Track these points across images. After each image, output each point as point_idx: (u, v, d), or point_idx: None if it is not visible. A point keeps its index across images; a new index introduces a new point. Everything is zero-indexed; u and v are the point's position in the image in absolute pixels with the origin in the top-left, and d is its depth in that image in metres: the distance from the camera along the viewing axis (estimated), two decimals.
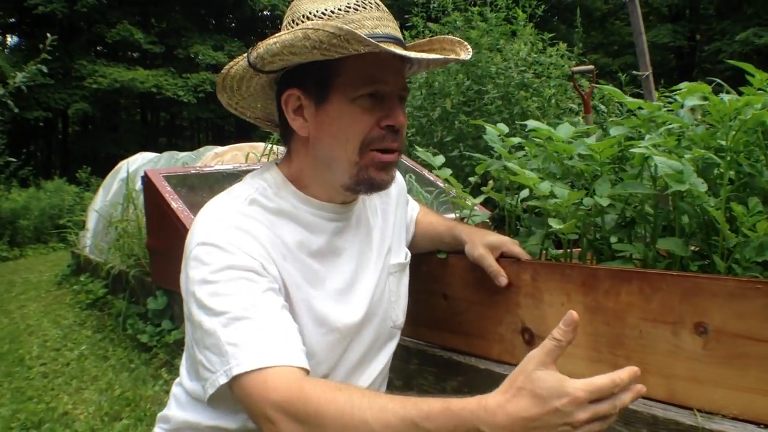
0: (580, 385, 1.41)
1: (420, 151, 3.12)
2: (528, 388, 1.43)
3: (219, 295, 1.78)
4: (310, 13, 1.96)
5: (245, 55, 1.99)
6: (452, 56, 2.05)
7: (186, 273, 1.90)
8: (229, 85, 2.15)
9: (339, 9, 1.93)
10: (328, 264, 2.12)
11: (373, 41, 1.74)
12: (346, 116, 1.96)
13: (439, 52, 2.18)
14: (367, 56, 1.85)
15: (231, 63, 2.09)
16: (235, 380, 1.69)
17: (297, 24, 1.97)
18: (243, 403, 1.73)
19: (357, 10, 1.93)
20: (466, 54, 2.08)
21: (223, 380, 1.70)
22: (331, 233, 2.14)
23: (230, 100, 2.24)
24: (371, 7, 1.96)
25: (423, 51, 2.21)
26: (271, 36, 1.90)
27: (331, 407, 1.58)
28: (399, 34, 1.99)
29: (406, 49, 2.02)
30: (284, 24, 2.05)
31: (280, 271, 1.94)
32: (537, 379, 1.43)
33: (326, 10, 1.94)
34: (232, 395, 1.75)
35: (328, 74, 1.96)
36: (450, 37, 2.17)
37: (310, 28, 1.76)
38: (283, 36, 1.84)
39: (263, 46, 1.89)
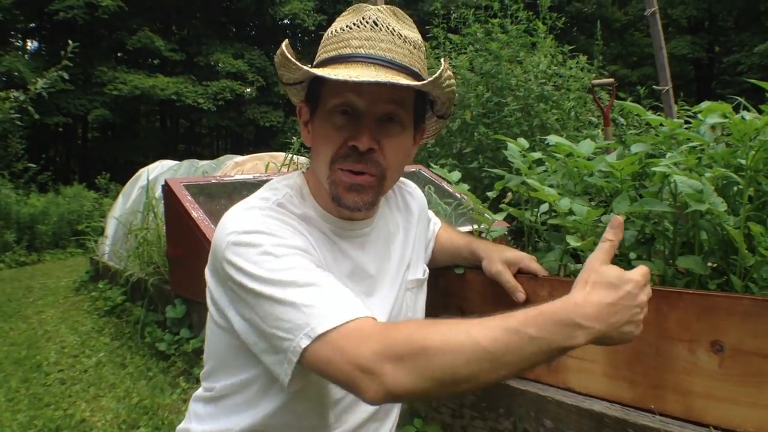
0: (636, 272, 1.69)
1: (436, 168, 3.13)
2: (601, 281, 1.66)
3: (278, 270, 1.77)
4: (327, 32, 2.06)
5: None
6: (401, 81, 1.88)
7: (227, 267, 1.86)
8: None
9: (341, 29, 2.00)
10: (348, 276, 2.12)
11: (303, 67, 1.91)
12: (322, 130, 2.01)
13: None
14: (328, 80, 1.88)
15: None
16: (320, 339, 1.67)
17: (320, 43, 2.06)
18: (327, 366, 1.68)
19: (351, 29, 1.98)
20: (429, 80, 1.96)
21: (305, 342, 1.67)
22: (351, 247, 2.16)
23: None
24: (365, 27, 1.97)
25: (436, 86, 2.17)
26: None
27: (435, 336, 1.60)
28: (393, 55, 1.97)
29: (410, 69, 2.00)
30: None
31: (316, 252, 1.97)
32: (605, 272, 1.67)
33: (335, 29, 2.03)
34: (307, 367, 1.72)
35: (319, 88, 2.01)
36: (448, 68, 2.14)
37: (278, 51, 1.92)
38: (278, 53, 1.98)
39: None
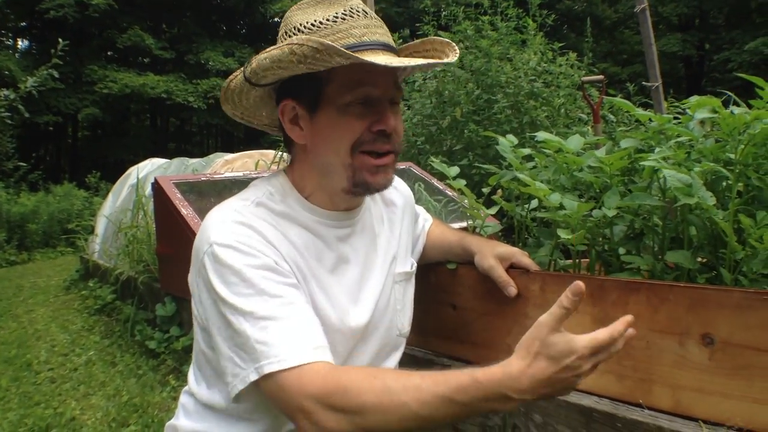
0: (585, 343, 1.61)
1: (435, 162, 3.13)
2: (544, 353, 1.62)
3: (242, 296, 1.82)
4: (300, 24, 2.02)
5: (242, 69, 2.05)
6: (435, 60, 2.05)
7: (204, 272, 1.92)
8: (230, 97, 2.21)
9: (327, 19, 1.99)
10: (333, 269, 2.15)
11: (352, 54, 1.81)
12: (338, 123, 2.00)
13: (430, 54, 2.21)
14: (354, 64, 1.88)
15: (230, 77, 2.15)
16: (267, 377, 1.75)
17: (289, 35, 2.03)
18: (275, 399, 1.78)
19: (344, 19, 1.98)
20: (453, 56, 2.09)
21: (254, 377, 1.75)
22: (336, 240, 2.18)
23: (235, 110, 2.29)
24: (359, 16, 2.00)
25: (413, 54, 2.24)
26: (263, 50, 1.96)
27: (370, 396, 1.67)
28: (387, 39, 2.03)
29: (398, 52, 2.08)
30: (279, 35, 2.11)
31: (289, 264, 1.98)
32: (550, 344, 1.62)
33: (315, 21, 2.00)
34: (260, 391, 1.81)
35: (319, 84, 2.00)
36: (440, 39, 2.18)
37: (296, 44, 1.83)
38: (273, 51, 1.90)
39: (256, 62, 1.96)
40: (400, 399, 1.66)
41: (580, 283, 1.63)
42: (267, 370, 1.73)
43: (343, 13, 1.99)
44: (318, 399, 1.68)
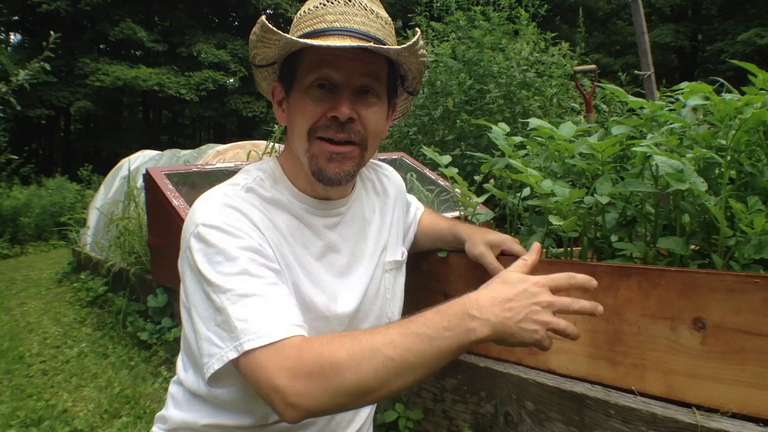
0: (540, 276, 1.76)
1: (427, 150, 3.13)
2: (500, 278, 1.79)
3: (226, 274, 1.82)
4: (302, 11, 2.09)
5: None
6: (379, 46, 1.96)
7: (189, 253, 1.92)
8: (255, 78, 2.30)
9: (315, 7, 2.04)
10: (320, 257, 2.16)
11: (278, 31, 1.92)
12: (300, 105, 2.03)
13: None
14: (322, 48, 1.92)
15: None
16: (246, 355, 1.73)
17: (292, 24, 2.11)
18: (251, 377, 1.75)
19: (325, 5, 2.02)
20: (403, 46, 2.01)
21: (233, 355, 1.74)
22: (324, 228, 2.19)
23: (263, 88, 2.36)
24: (339, 3, 2.02)
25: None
26: None
27: (342, 352, 1.66)
28: (367, 28, 2.01)
29: (384, 42, 2.05)
30: None
31: (275, 252, 1.98)
32: (506, 273, 1.81)
33: (306, 9, 2.07)
34: (238, 370, 1.78)
35: (294, 65, 2.04)
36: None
37: (256, 24, 1.95)
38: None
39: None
40: (371, 346, 1.66)
41: (538, 244, 1.89)
42: (247, 347, 1.72)
43: (326, 1, 2.02)
44: (293, 371, 1.67)
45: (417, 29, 2.11)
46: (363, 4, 2.04)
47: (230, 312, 1.77)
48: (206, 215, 1.92)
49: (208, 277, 1.84)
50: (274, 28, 1.91)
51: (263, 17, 1.92)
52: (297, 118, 2.04)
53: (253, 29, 1.98)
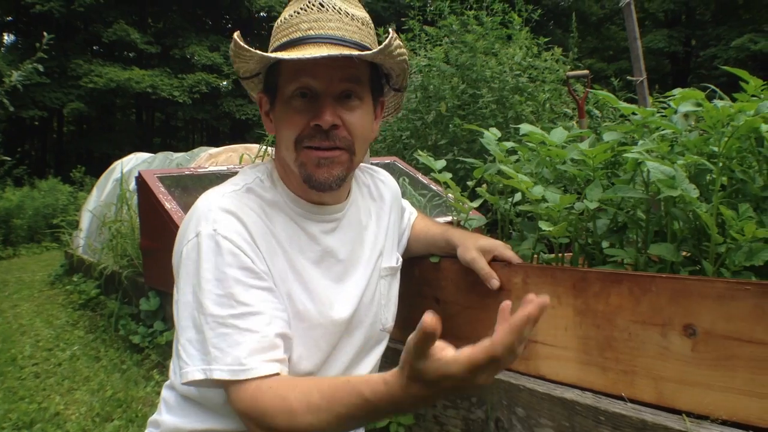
0: (461, 367, 1.49)
1: (422, 155, 3.13)
2: (417, 378, 1.53)
3: (212, 295, 1.84)
4: (279, 21, 2.10)
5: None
6: (347, 52, 1.93)
7: (182, 263, 1.95)
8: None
9: (290, 15, 2.05)
10: (317, 262, 2.16)
11: (250, 48, 1.93)
12: (284, 116, 2.04)
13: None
14: (286, 61, 1.95)
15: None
16: (210, 381, 1.81)
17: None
18: (224, 392, 1.86)
19: (299, 13, 2.03)
20: (375, 48, 2.03)
21: (199, 376, 1.81)
22: (321, 233, 2.18)
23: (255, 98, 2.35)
24: (312, 10, 2.02)
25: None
26: None
27: (280, 419, 1.73)
28: (342, 32, 2.01)
29: (362, 45, 2.04)
30: None
31: (267, 264, 1.99)
32: (421, 371, 1.51)
33: (283, 18, 2.08)
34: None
35: (275, 76, 2.06)
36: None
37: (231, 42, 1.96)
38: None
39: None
40: (306, 420, 1.70)
41: (427, 316, 1.49)
42: (215, 376, 1.78)
43: (300, 8, 2.03)
44: (246, 414, 1.78)
45: (390, 30, 2.08)
46: (337, 7, 2.03)
47: (207, 336, 1.82)
48: (204, 224, 1.94)
49: (195, 292, 1.88)
50: (245, 45, 1.94)
51: (237, 33, 1.94)
52: (283, 129, 2.05)
53: (231, 44, 2.01)
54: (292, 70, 1.96)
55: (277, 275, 2.01)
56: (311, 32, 1.97)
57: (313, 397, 1.73)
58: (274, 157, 2.27)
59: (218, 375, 1.77)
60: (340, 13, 2.02)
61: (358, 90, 2.06)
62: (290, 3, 2.11)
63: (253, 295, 1.88)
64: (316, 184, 2.04)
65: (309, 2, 2.02)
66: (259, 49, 1.97)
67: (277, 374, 1.83)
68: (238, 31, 1.97)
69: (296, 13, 2.02)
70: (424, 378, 1.52)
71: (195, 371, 1.81)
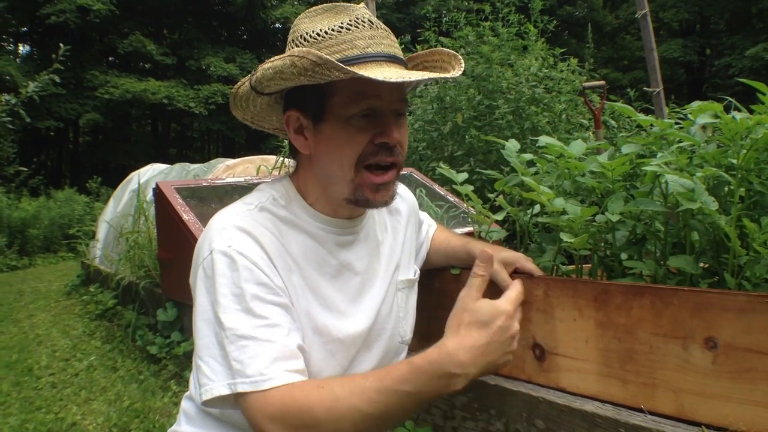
0: (506, 302, 1.88)
1: (443, 168, 3.13)
2: (474, 321, 1.82)
3: (229, 310, 1.86)
4: (307, 33, 2.01)
5: (249, 76, 2.07)
6: (437, 74, 2.01)
7: (200, 279, 1.96)
8: (239, 104, 2.23)
9: (332, 29, 1.97)
10: (335, 276, 2.17)
11: (349, 69, 1.78)
12: (341, 136, 2.00)
13: (438, 65, 2.20)
14: (385, 84, 1.87)
15: (239, 83, 2.16)
16: (237, 394, 1.80)
17: (295, 44, 2.04)
18: (243, 413, 1.84)
19: (350, 29, 1.97)
20: (457, 71, 2.06)
21: (225, 391, 1.81)
22: (339, 246, 2.19)
23: (245, 115, 2.30)
24: (364, 26, 1.98)
25: (421, 63, 2.24)
26: (269, 59, 1.96)
27: (320, 408, 1.75)
28: (394, 50, 2.01)
29: (407, 63, 2.08)
30: (287, 42, 2.11)
31: (284, 281, 2.00)
32: (477, 310, 1.84)
33: (321, 30, 1.99)
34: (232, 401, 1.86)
35: (323, 96, 2.00)
36: (448, 51, 2.17)
37: (296, 56, 1.82)
38: (276, 62, 1.91)
39: (260, 71, 1.97)
40: (349, 402, 1.75)
41: (488, 251, 1.90)
42: (239, 389, 1.79)
43: (348, 23, 1.97)
44: (275, 418, 1.76)
45: (458, 55, 2.12)
46: (380, 25, 2.03)
47: (228, 351, 1.83)
48: (219, 241, 1.94)
49: (213, 309, 1.89)
50: (343, 66, 1.78)
51: (318, 53, 1.79)
52: (339, 149, 2.02)
53: (289, 62, 1.85)
54: (356, 90, 1.94)
55: (293, 292, 2.02)
56: (370, 50, 1.95)
57: (356, 379, 1.80)
58: (291, 173, 2.27)
59: (241, 388, 1.77)
60: (386, 31, 2.03)
61: (405, 108, 2.10)
62: (316, 15, 2.07)
63: (270, 309, 1.89)
64: (371, 204, 2.10)
65: (357, 18, 1.99)
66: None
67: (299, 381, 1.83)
68: (314, 50, 1.82)
69: (346, 29, 1.96)
70: (481, 318, 1.81)
71: (220, 386, 1.81)
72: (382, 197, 2.08)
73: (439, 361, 1.78)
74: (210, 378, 1.84)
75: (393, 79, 1.81)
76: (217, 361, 1.84)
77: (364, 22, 1.99)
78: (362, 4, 2.08)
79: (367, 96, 1.95)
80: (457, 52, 8.24)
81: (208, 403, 1.87)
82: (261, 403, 1.76)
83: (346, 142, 2.00)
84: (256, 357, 1.79)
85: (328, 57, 1.78)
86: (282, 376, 1.79)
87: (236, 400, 1.82)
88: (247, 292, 1.87)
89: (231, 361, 1.80)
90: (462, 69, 2.06)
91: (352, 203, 2.09)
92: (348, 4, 2.05)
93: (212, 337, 1.87)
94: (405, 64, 2.04)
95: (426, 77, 1.92)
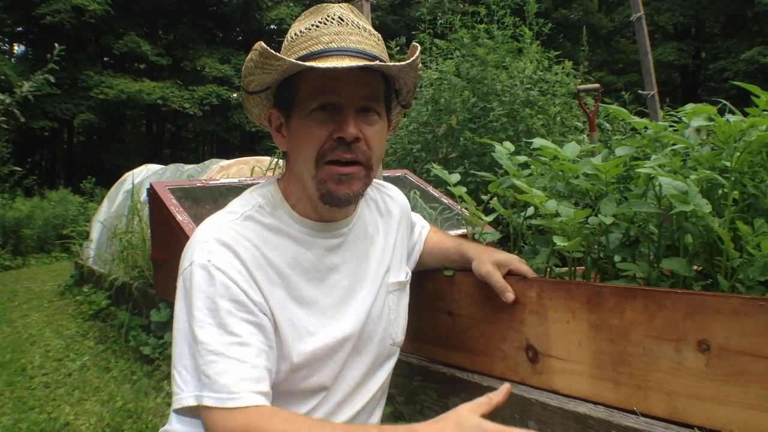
0: (494, 426, 1.70)
1: (436, 169, 3.14)
2: (454, 419, 1.74)
3: (203, 324, 1.87)
4: (289, 35, 2.09)
5: None
6: (379, 63, 1.98)
7: (178, 292, 1.98)
8: (247, 106, 2.26)
9: (306, 29, 2.03)
10: (322, 280, 2.17)
11: (285, 57, 1.90)
12: (303, 130, 2.02)
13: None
14: (323, 72, 1.91)
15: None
16: (202, 407, 1.81)
17: (282, 46, 2.09)
18: (205, 427, 1.83)
19: (318, 27, 2.01)
20: (412, 60, 2.06)
21: (192, 402, 1.82)
22: (327, 250, 2.19)
23: (251, 115, 2.32)
24: (332, 23, 2.01)
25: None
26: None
27: None
28: (363, 46, 2.01)
29: (381, 58, 2.04)
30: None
31: (264, 294, 2.00)
32: (463, 415, 1.75)
33: (299, 31, 2.05)
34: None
35: (292, 91, 2.04)
36: (418, 49, 2.16)
37: (252, 50, 1.92)
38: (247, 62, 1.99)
39: (243, 70, 2.04)
40: None
41: (508, 385, 1.88)
42: (205, 402, 1.79)
43: (318, 22, 2.02)
44: None
45: (416, 44, 2.10)
46: (355, 23, 2.04)
47: (198, 363, 1.84)
48: (200, 254, 1.95)
49: (188, 320, 1.90)
50: (276, 53, 1.90)
51: (261, 43, 1.90)
52: (302, 144, 2.04)
53: (249, 56, 1.97)
54: (315, 84, 1.96)
55: (275, 304, 2.02)
56: (333, 45, 1.97)
57: (325, 427, 1.81)
58: (280, 176, 2.28)
59: (207, 401, 1.78)
60: (359, 28, 2.03)
61: (377, 105, 2.08)
62: (302, 17, 2.11)
63: (243, 327, 1.89)
64: (334, 200, 2.06)
65: (328, 16, 2.02)
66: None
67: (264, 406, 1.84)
68: (262, 42, 1.92)
69: (315, 27, 2.01)
70: (462, 422, 1.72)
71: (189, 397, 1.83)
72: (344, 191, 2.05)
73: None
74: (180, 387, 1.86)
75: (328, 65, 1.87)
76: (188, 371, 1.86)
77: (333, 19, 2.02)
78: (345, 4, 2.09)
79: (326, 91, 1.97)
80: (452, 54, 8.30)
81: (178, 412, 1.89)
82: (224, 421, 1.77)
83: (308, 136, 2.01)
84: (224, 374, 1.80)
85: (265, 47, 1.87)
86: (248, 397, 1.79)
87: (201, 413, 1.83)
88: (221, 308, 1.88)
89: (200, 375, 1.82)
90: (415, 59, 2.06)
91: (322, 202, 2.09)
92: (327, 5, 2.08)
93: (185, 348, 1.89)
94: (379, 60, 2.02)
95: (370, 64, 1.91)
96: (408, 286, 2.54)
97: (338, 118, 1.99)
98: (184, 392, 1.84)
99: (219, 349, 1.82)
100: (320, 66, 1.87)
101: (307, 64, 1.88)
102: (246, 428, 1.74)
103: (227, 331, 1.85)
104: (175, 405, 1.86)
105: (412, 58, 2.03)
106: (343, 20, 2.02)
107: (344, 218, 2.25)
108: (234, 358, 1.83)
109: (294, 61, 1.89)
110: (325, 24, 2.00)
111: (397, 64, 1.98)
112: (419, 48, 2.08)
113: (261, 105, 2.24)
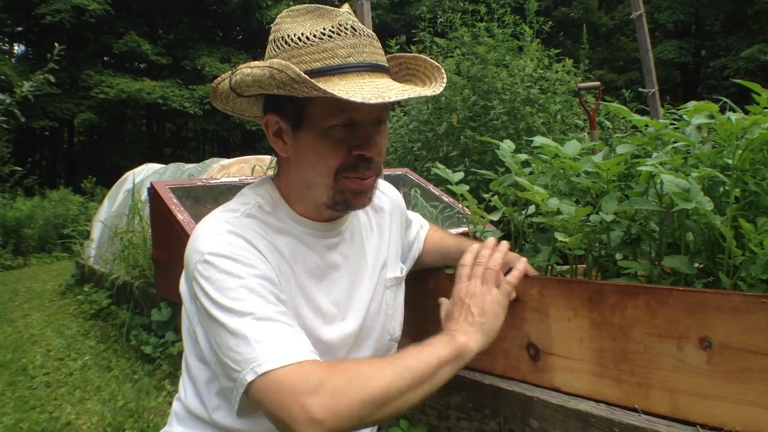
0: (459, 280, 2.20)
1: (439, 168, 3.13)
2: (450, 314, 2.21)
3: (241, 299, 1.83)
4: (288, 36, 1.96)
5: (230, 73, 2.00)
6: (415, 93, 1.91)
7: (196, 283, 1.91)
8: (219, 98, 2.17)
9: (314, 35, 1.92)
10: (322, 278, 2.17)
11: (328, 90, 1.75)
12: (320, 145, 1.98)
13: (420, 75, 2.16)
14: (356, 105, 1.83)
15: (218, 80, 2.09)
16: (264, 375, 1.72)
17: (277, 45, 1.98)
18: (269, 397, 1.72)
19: (331, 37, 1.92)
20: (438, 86, 2.03)
21: (251, 377, 1.73)
22: (326, 249, 2.19)
23: (225, 106, 2.24)
24: (346, 34, 1.93)
25: (404, 67, 2.21)
26: (248, 64, 1.93)
27: (365, 365, 1.82)
28: (376, 58, 1.98)
29: (389, 68, 2.05)
30: (269, 40, 2.05)
31: (280, 281, 1.99)
32: (447, 307, 2.26)
33: (302, 35, 1.93)
34: (251, 398, 1.78)
35: (302, 104, 1.96)
36: (431, 61, 2.13)
37: (276, 69, 1.79)
38: (255, 71, 1.87)
39: (240, 75, 1.93)
40: (389, 360, 1.86)
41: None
42: (265, 367, 1.71)
43: (330, 30, 1.93)
44: (320, 386, 1.69)
45: (440, 67, 2.09)
46: (365, 31, 1.99)
47: (248, 334, 1.77)
48: (212, 244, 1.92)
49: (222, 304, 1.83)
50: (317, 84, 1.76)
51: (294, 68, 1.77)
52: (318, 158, 1.99)
53: (267, 72, 1.82)
54: (336, 103, 1.84)
55: (287, 291, 2.02)
56: (351, 59, 1.91)
57: (377, 359, 1.88)
58: (273, 175, 2.26)
59: (269, 366, 1.71)
60: (369, 37, 1.98)
61: (387, 114, 2.09)
62: (299, 17, 2.01)
63: (275, 301, 1.88)
64: (350, 208, 2.10)
65: (340, 25, 1.94)
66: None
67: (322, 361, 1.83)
68: (291, 65, 1.78)
69: (328, 37, 1.92)
70: (452, 309, 2.09)
71: (245, 375, 1.74)
72: (363, 200, 2.09)
73: (441, 337, 2.08)
74: (235, 370, 1.77)
75: (371, 101, 1.77)
76: (236, 351, 1.78)
77: (347, 28, 1.94)
78: (346, 6, 2.06)
79: (346, 110, 1.92)
80: (453, 52, 8.29)
81: (243, 411, 1.85)
82: (298, 374, 1.71)
83: (325, 152, 1.98)
84: (278, 334, 1.79)
85: (306, 77, 1.75)
86: (306, 352, 1.78)
87: (261, 386, 1.73)
88: (254, 282, 1.86)
89: (252, 343, 1.75)
90: (443, 85, 2.03)
91: (331, 208, 2.09)
92: (332, 8, 2.01)
93: (225, 332, 1.81)
94: (387, 71, 2.02)
95: (405, 96, 1.87)
96: (403, 282, 2.56)
97: (356, 133, 1.97)
98: (242, 371, 1.75)
99: (267, 314, 1.81)
100: (357, 100, 1.75)
101: (347, 97, 1.76)
102: (323, 373, 1.72)
103: (267, 300, 1.85)
104: (239, 389, 1.77)
105: (441, 88, 2.02)
106: (356, 30, 1.95)
107: (341, 217, 2.25)
108: (282, 321, 1.82)
109: (334, 93, 1.76)
110: (339, 34, 1.92)
111: (424, 93, 1.93)
112: (444, 73, 2.08)
113: (247, 103, 2.19)
